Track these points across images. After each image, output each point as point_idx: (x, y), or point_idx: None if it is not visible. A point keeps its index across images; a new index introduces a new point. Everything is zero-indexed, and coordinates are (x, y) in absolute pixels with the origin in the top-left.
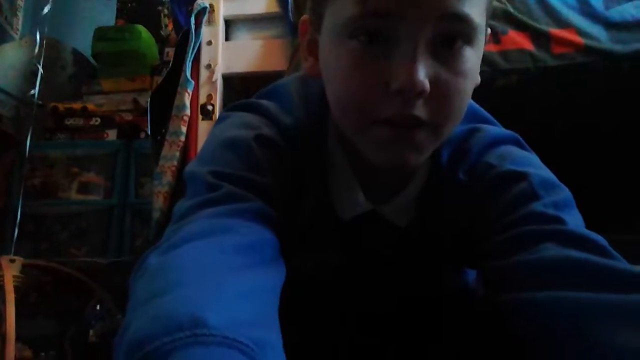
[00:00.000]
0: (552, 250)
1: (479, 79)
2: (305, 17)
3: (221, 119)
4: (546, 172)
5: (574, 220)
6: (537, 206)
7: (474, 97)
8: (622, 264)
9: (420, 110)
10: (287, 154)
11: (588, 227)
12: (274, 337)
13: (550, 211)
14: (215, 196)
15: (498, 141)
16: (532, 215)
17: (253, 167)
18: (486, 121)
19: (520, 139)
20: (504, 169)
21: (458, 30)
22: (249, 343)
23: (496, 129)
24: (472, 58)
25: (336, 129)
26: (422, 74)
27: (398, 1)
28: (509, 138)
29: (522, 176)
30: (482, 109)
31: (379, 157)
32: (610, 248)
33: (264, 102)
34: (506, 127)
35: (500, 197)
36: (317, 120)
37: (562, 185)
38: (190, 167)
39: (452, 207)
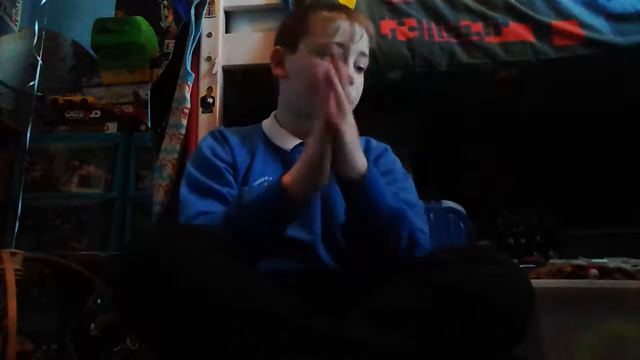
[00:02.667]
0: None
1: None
2: (277, 47)
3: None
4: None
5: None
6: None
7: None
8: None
9: (350, 91)
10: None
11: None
12: None
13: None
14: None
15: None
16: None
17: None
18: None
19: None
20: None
21: (362, 61)
22: None
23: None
24: (363, 75)
25: (279, 117)
26: (353, 74)
27: (349, 39)
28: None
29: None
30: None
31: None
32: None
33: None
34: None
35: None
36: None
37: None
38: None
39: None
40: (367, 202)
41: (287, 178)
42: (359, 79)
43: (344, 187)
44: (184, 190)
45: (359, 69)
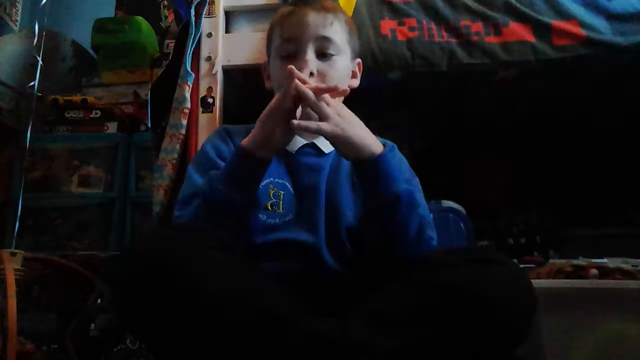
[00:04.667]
0: None
1: (354, 83)
2: (263, 62)
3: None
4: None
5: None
6: None
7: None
8: None
9: (312, 83)
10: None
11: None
12: None
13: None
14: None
15: None
16: None
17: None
18: None
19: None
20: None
21: (326, 45)
22: None
23: None
24: (340, 62)
25: None
26: (310, 66)
27: (295, 31)
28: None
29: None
30: None
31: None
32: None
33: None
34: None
35: None
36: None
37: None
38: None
39: None
40: (379, 180)
41: (246, 139)
42: (330, 65)
43: (355, 165)
44: (180, 195)
45: (325, 55)
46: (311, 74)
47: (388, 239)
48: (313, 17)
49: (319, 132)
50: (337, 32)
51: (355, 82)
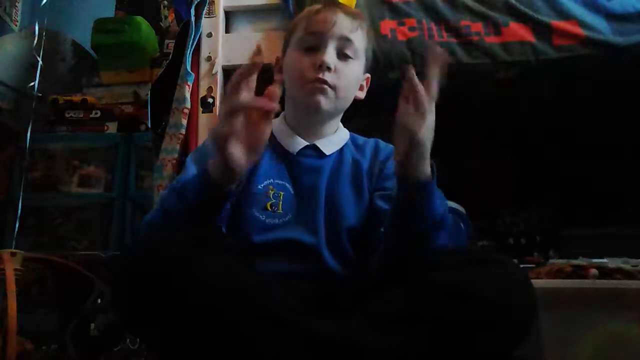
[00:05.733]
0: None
1: (360, 95)
2: (277, 56)
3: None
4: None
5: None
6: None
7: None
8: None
9: (328, 77)
10: None
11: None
12: None
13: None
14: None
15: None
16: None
17: None
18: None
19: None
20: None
21: (347, 47)
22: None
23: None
24: (355, 65)
25: (286, 114)
26: (329, 60)
27: (321, 26)
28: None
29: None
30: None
31: (307, 99)
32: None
33: None
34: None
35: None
36: None
37: None
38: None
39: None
40: (423, 207)
41: (212, 162)
42: (347, 67)
43: (407, 188)
44: (174, 180)
45: (344, 55)
46: (328, 68)
47: (414, 249)
48: (341, 18)
49: (407, 128)
50: (359, 38)
51: (361, 95)
